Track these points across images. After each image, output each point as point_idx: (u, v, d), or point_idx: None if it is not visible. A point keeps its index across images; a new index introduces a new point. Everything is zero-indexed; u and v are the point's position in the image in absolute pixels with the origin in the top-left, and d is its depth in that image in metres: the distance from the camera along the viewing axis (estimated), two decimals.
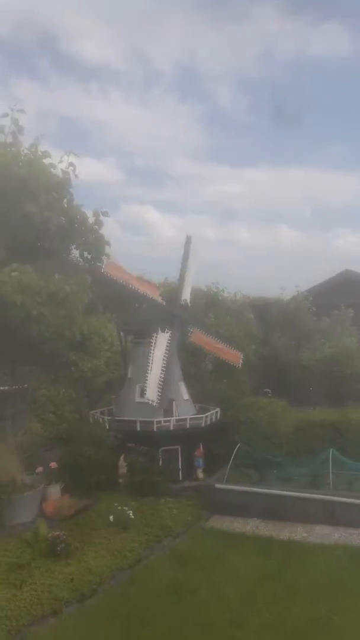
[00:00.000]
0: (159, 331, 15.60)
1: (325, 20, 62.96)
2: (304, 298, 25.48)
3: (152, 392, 14.94)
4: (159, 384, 15.02)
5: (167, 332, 15.76)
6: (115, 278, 15.05)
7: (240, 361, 17.91)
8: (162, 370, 15.19)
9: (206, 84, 64.66)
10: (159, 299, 16.15)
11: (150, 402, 14.76)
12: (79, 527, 12.01)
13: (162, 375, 15.15)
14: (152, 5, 56.64)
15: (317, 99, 64.89)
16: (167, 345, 15.58)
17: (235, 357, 17.86)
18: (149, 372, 15.07)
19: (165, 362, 15.36)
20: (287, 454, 16.08)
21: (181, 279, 17.16)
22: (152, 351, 15.29)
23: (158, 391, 14.94)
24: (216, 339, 17.63)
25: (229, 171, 64.21)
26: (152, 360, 15.21)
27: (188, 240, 17.33)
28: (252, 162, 69.19)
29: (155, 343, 15.42)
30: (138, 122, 63.20)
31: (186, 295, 16.95)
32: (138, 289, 15.59)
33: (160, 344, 15.57)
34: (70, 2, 53.11)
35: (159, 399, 15.00)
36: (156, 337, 15.48)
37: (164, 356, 15.43)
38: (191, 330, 16.75)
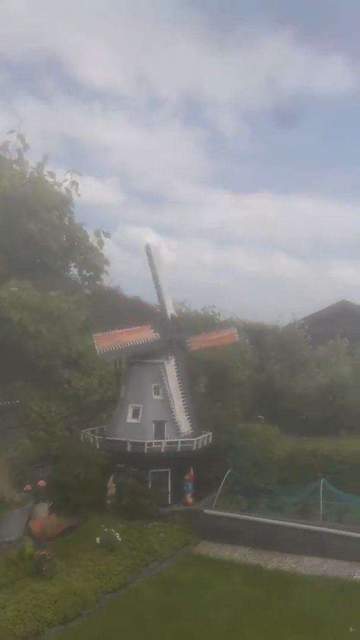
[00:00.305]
0: (164, 361, 15.73)
1: (329, 54, 64.19)
2: (300, 326, 25.55)
3: (184, 424, 15.52)
4: (185, 412, 15.42)
5: (171, 359, 15.83)
6: (108, 349, 15.04)
7: (237, 336, 18.23)
8: (182, 397, 15.59)
9: (210, 111, 65.57)
10: (152, 334, 15.96)
11: (185, 433, 15.30)
12: (65, 548, 11.84)
13: (184, 402, 15.56)
14: (158, 31, 57.69)
15: (320, 131, 65.81)
16: (176, 372, 15.76)
17: (231, 336, 18.17)
18: (172, 407, 15.50)
19: (181, 388, 15.69)
20: (278, 482, 15.94)
21: (158, 292, 16.68)
22: (166, 384, 15.60)
23: (188, 419, 15.37)
24: (208, 332, 17.70)
25: (230, 197, 64.68)
26: (170, 394, 15.56)
27: (147, 250, 16.31)
28: (253, 189, 69.82)
29: (166, 375, 15.69)
30: (141, 146, 63.82)
31: (170, 309, 16.85)
32: (131, 343, 15.46)
33: (171, 374, 15.85)
34: (77, 26, 53.98)
35: (191, 428, 15.45)
36: (164, 368, 15.69)
37: (179, 383, 15.71)
38: (189, 342, 16.67)
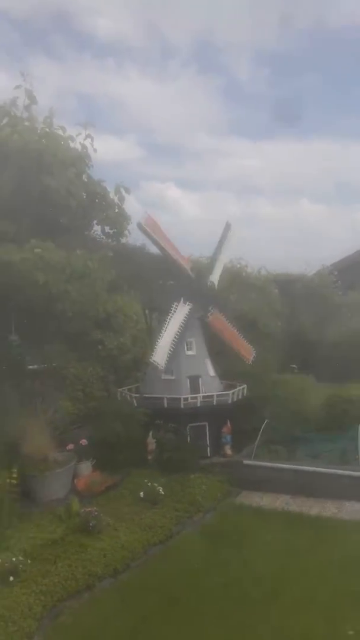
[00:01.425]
0: (181, 302, 15.51)
1: None
2: (328, 273, 25.15)
3: (160, 356, 14.84)
4: (169, 351, 14.95)
5: (188, 305, 15.62)
6: (152, 235, 14.67)
7: (252, 358, 17.37)
8: (174, 338, 15.12)
9: (224, 57, 63.22)
10: (188, 267, 15.86)
11: (156, 364, 14.76)
12: (110, 503, 12.17)
13: (174, 346, 15.08)
14: None
15: (338, 69, 63.03)
16: (185, 317, 15.43)
17: (248, 351, 17.34)
18: (161, 335, 15.08)
19: (179, 332, 15.24)
20: (315, 429, 15.99)
21: (214, 259, 16.90)
22: (169, 318, 15.26)
23: (166, 358, 14.89)
24: (235, 329, 17.24)
25: (249, 145, 63.06)
26: (167, 325, 15.19)
27: (227, 227, 16.96)
28: (272, 134, 67.69)
29: (174, 312, 15.35)
30: (156, 98, 62.22)
31: (215, 278, 16.74)
32: (171, 254, 15.26)
33: (179, 314, 15.44)
34: None
35: (165, 364, 14.94)
36: (176, 306, 15.41)
37: (180, 326, 15.29)
38: (211, 310, 16.50)
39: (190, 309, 15.60)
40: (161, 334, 15.12)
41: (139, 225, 14.98)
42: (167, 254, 15.64)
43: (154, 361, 14.77)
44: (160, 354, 14.89)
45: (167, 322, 15.25)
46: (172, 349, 15.04)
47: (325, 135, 65.62)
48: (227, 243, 17.09)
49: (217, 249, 17.03)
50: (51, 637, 8.11)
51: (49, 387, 15.32)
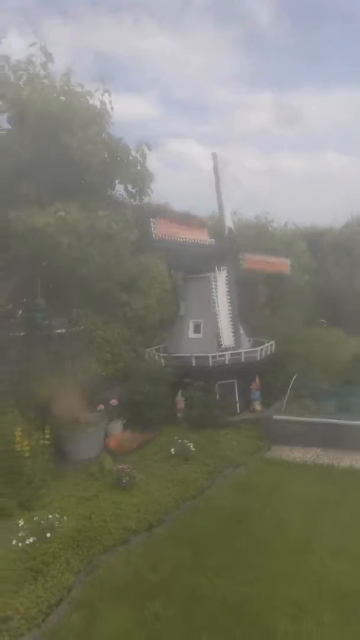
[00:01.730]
0: (215, 271, 15.45)
1: None
2: (358, 224, 24.54)
3: (227, 338, 15.39)
4: (231, 325, 15.30)
5: (222, 270, 15.57)
6: (165, 237, 14.40)
7: (289, 268, 18.05)
8: (229, 312, 15.39)
9: (243, 6, 60.78)
10: (207, 239, 15.67)
11: (227, 345, 15.15)
12: (142, 460, 12.38)
13: (231, 317, 15.40)
14: None
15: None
16: (226, 284, 15.49)
17: (283, 265, 17.95)
18: (217, 317, 15.31)
19: (230, 300, 15.43)
20: (344, 383, 15.88)
21: (219, 204, 16.48)
22: (214, 295, 15.41)
23: (232, 334, 15.25)
24: (263, 254, 17.40)
25: (272, 96, 61.19)
26: (217, 304, 15.38)
27: (214, 158, 16.11)
28: (295, 85, 65.48)
29: (215, 286, 15.48)
30: (175, 53, 60.62)
31: (229, 222, 16.49)
32: (187, 240, 14.98)
33: (221, 285, 15.63)
34: None
35: (234, 342, 15.29)
36: (214, 278, 15.45)
37: (227, 296, 15.44)
38: (242, 258, 16.37)
39: (226, 274, 15.58)
40: (217, 315, 15.35)
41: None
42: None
43: (226, 345, 15.25)
44: (227, 336, 15.38)
45: (215, 301, 15.41)
46: (232, 324, 15.37)
47: (348, 85, 63.18)
48: (222, 177, 16.32)
49: (216, 188, 16.32)
50: (89, 590, 8.36)
51: (77, 350, 15.46)
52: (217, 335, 15.43)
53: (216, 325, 15.51)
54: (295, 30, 65.48)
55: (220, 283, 15.69)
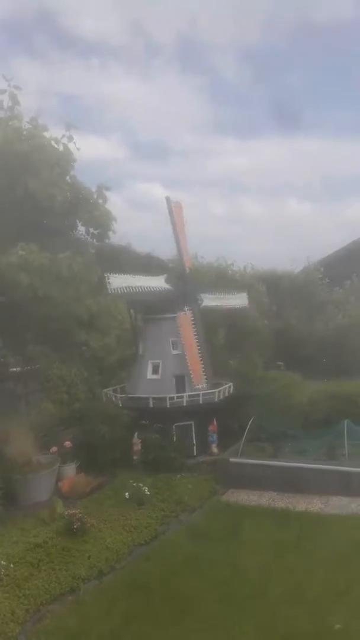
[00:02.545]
0: (180, 313, 15.62)
1: None
2: (315, 269, 25.17)
3: (198, 377, 15.37)
4: (202, 365, 15.35)
5: (187, 310, 15.73)
6: (122, 289, 14.69)
7: (247, 301, 18.25)
8: (198, 349, 15.49)
9: (208, 55, 63.13)
10: (164, 285, 15.81)
11: (200, 385, 15.23)
12: (95, 505, 12.07)
13: (200, 355, 15.49)
14: None
15: (322, 66, 63.22)
16: (192, 323, 15.67)
17: (242, 300, 18.17)
18: (187, 359, 15.33)
19: (197, 340, 15.57)
20: (301, 426, 15.95)
21: (177, 245, 16.51)
22: (181, 337, 15.45)
23: (203, 373, 15.30)
24: (222, 292, 17.56)
25: (235, 143, 63.04)
26: (185, 345, 15.40)
27: (168, 202, 16.14)
28: (258, 133, 67.67)
29: (182, 325, 15.55)
30: (140, 97, 62.08)
31: (188, 263, 16.70)
32: (144, 288, 15.23)
33: (187, 325, 15.69)
34: None
35: (206, 381, 15.37)
36: (180, 319, 15.55)
37: (195, 335, 15.57)
38: (200, 298, 16.53)
39: (191, 314, 15.78)
40: (186, 357, 15.36)
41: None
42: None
43: (199, 386, 15.28)
44: (198, 376, 15.38)
45: (182, 343, 15.47)
46: (204, 363, 15.46)
47: (311, 133, 65.83)
48: (177, 216, 16.36)
49: (173, 231, 16.34)
50: None
51: (32, 389, 15.20)
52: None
53: (180, 367, 15.54)
54: (258, 79, 68.24)
55: (186, 324, 15.73)
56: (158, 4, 55.30)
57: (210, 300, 16.90)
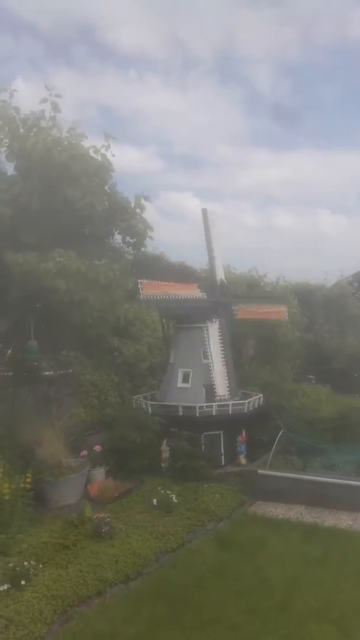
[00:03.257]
0: (208, 323, 15.76)
1: None
2: (348, 283, 24.98)
3: (221, 388, 15.50)
4: (226, 378, 15.45)
5: (215, 321, 15.82)
6: (154, 296, 14.79)
7: (286, 315, 18.09)
8: (222, 361, 15.59)
9: (245, 68, 63.62)
10: (198, 293, 15.92)
11: (221, 397, 15.28)
12: (123, 510, 12.17)
13: (225, 366, 15.56)
14: None
15: (358, 81, 62.87)
16: (219, 335, 15.74)
17: (280, 313, 18.00)
18: (211, 368, 15.48)
19: (223, 351, 15.65)
20: (331, 440, 15.84)
21: (210, 257, 16.73)
22: (208, 346, 15.62)
23: (226, 386, 15.41)
24: (257, 303, 17.49)
25: (269, 156, 63.21)
26: (210, 355, 15.54)
27: (204, 214, 16.54)
28: (293, 146, 67.84)
29: (208, 337, 15.71)
30: (177, 109, 62.90)
31: (220, 274, 16.79)
32: (176, 296, 15.27)
33: (214, 336, 15.81)
34: None
35: (229, 393, 15.45)
36: (207, 330, 15.72)
37: (221, 346, 15.65)
38: (236, 308, 16.58)
39: (219, 325, 15.89)
40: (211, 369, 15.52)
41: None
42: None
43: (220, 396, 15.42)
44: (221, 386, 15.55)
45: (209, 352, 15.63)
46: (227, 377, 15.65)
47: (345, 147, 65.48)
48: (213, 231, 16.68)
49: (207, 242, 16.69)
50: None
51: (64, 394, 15.42)
52: (212, 386, 15.51)
53: (210, 376, 15.62)
54: (295, 92, 68.14)
55: (213, 334, 15.84)
56: (196, 17, 55.85)
57: (245, 313, 16.91)
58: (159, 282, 14.96)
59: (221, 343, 15.97)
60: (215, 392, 15.39)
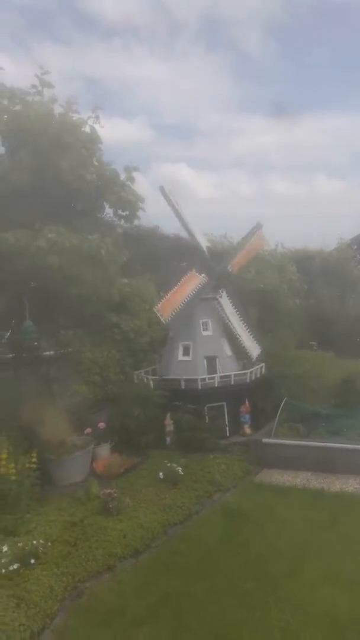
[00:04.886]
0: (217, 296, 15.92)
1: None
2: (347, 247, 24.76)
3: (253, 347, 16.07)
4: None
5: (222, 292, 15.98)
6: (172, 314, 14.97)
7: (264, 238, 17.48)
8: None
9: (231, 32, 62.06)
10: (200, 279, 15.63)
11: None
12: (130, 485, 12.18)
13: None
14: None
15: (350, 40, 61.39)
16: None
17: (260, 238, 17.12)
18: (237, 335, 15.85)
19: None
20: (335, 406, 15.80)
21: (188, 230, 16.25)
22: (225, 317, 15.95)
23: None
24: (240, 248, 16.99)
25: (261, 121, 62.15)
26: (230, 323, 15.85)
27: (162, 191, 15.29)
28: (285, 110, 66.46)
29: (222, 308, 15.99)
30: (165, 78, 61.64)
31: (204, 243, 16.55)
32: (187, 297, 15.24)
33: (193, 277, 15.70)
34: None
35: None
36: (218, 302, 15.94)
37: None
38: (221, 295, 16.34)
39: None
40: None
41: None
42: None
43: (254, 355, 15.84)
44: (252, 345, 15.97)
45: (228, 321, 15.90)
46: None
47: (337, 109, 64.32)
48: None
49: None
50: (73, 618, 8.14)
51: (65, 372, 15.36)
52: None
53: (218, 347, 15.92)
54: (284, 55, 66.72)
55: (225, 303, 16.07)
56: None
57: (237, 265, 16.69)
58: (168, 297, 15.28)
59: (234, 308, 16.28)
60: (250, 355, 16.01)
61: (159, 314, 14.87)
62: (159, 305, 15.08)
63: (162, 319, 14.90)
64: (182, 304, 15.05)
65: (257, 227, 16.67)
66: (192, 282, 15.53)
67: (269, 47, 66.74)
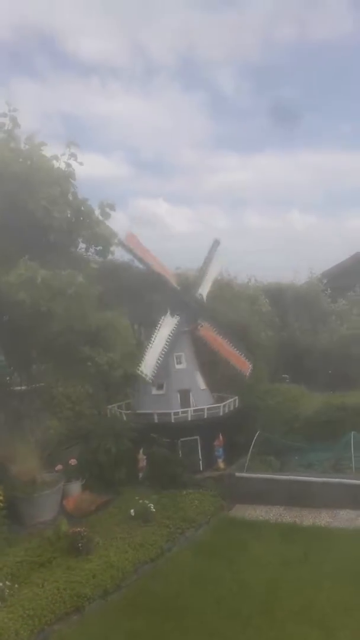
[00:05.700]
0: (168, 315, 15.61)
1: None
2: (318, 281, 25.15)
3: (148, 367, 14.98)
4: (157, 362, 15.01)
5: (175, 317, 15.67)
6: (134, 250, 15.48)
7: (249, 371, 16.91)
8: (163, 350, 15.18)
9: (207, 72, 63.45)
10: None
11: (144, 375, 14.85)
12: (101, 523, 11.99)
13: (162, 357, 15.13)
14: None
15: (323, 80, 63.35)
16: (174, 328, 15.46)
17: (244, 365, 16.82)
18: (149, 346, 15.23)
19: (168, 344, 15.27)
20: (308, 439, 15.84)
21: (202, 274, 16.93)
22: (156, 330, 15.40)
23: (154, 369, 14.96)
24: (228, 341, 16.79)
25: (237, 158, 63.16)
26: (154, 337, 15.33)
27: (215, 243, 17.14)
28: (259, 147, 67.78)
29: (162, 323, 15.51)
30: (142, 116, 62.44)
31: (203, 291, 16.76)
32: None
33: (167, 325, 15.55)
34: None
35: (153, 375, 15.00)
36: (164, 318, 15.56)
37: (169, 337, 15.33)
38: (201, 324, 16.42)
39: (177, 322, 15.58)
40: (149, 346, 15.19)
41: (120, 243, 15.64)
42: (150, 269, 15.97)
43: (142, 372, 14.85)
44: (148, 366, 14.98)
45: (154, 335, 15.32)
46: (160, 361, 15.04)
47: (312, 146, 66.00)
48: (216, 259, 17.19)
49: (205, 264, 17.09)
50: None
51: (37, 407, 15.17)
52: (186, 391, 15.71)
53: (190, 380, 15.95)
54: (259, 94, 68.43)
55: (167, 324, 15.54)
56: (157, 24, 55.86)
57: (208, 335, 16.62)
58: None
59: (170, 337, 15.47)
60: (141, 369, 15.01)
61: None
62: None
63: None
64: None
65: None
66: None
67: (244, 86, 68.53)
